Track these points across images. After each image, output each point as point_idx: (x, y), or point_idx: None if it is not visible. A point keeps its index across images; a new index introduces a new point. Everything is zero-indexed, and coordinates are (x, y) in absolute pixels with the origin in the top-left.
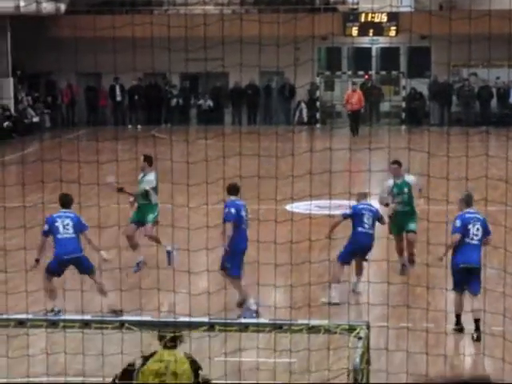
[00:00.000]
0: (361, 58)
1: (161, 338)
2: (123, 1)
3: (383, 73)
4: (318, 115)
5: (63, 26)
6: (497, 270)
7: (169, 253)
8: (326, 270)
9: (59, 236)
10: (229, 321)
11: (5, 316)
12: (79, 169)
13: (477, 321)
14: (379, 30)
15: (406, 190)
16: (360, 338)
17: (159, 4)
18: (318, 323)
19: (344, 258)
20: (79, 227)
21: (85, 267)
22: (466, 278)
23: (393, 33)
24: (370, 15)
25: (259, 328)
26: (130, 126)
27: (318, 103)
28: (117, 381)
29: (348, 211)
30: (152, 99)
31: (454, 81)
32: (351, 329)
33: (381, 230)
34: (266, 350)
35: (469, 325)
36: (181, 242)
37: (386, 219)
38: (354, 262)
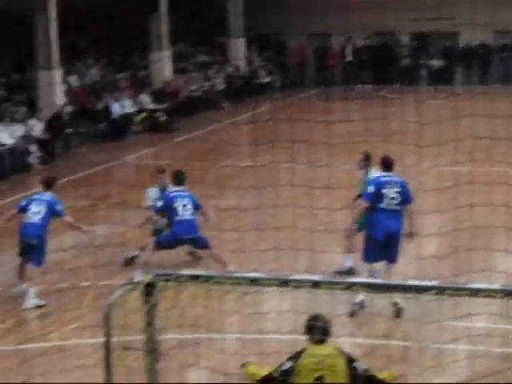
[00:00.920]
0: None
1: (309, 330)
2: None
3: None
4: None
5: None
6: None
7: None
8: None
9: None
10: (458, 286)
11: (237, 274)
12: (311, 129)
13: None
14: None
15: None
16: None
17: None
18: None
19: None
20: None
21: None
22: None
23: None
24: None
25: (490, 294)
26: (359, 86)
27: None
28: None
29: None
30: (381, 59)
31: None
32: None
33: None
34: (498, 316)
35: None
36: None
37: None
38: None
